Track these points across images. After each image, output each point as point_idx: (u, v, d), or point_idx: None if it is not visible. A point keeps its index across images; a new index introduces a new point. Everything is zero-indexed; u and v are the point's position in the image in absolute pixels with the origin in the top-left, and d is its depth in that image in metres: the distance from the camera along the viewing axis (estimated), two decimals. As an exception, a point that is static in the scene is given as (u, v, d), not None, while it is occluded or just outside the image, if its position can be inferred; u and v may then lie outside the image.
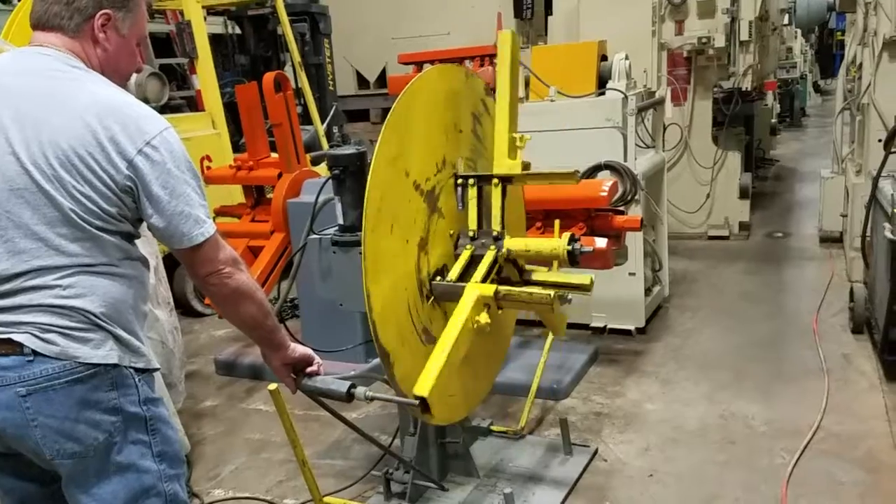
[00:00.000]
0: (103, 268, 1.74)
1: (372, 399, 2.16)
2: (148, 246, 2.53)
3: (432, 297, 2.63)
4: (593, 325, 4.87)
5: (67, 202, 1.68)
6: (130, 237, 1.82)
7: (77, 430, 1.70)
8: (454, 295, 2.56)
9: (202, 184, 1.84)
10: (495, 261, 2.69)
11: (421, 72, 7.03)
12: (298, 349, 2.12)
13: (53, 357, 1.67)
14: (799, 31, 14.06)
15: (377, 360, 4.26)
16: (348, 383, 2.15)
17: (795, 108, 15.33)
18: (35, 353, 1.66)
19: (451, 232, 2.78)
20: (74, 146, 1.67)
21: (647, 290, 4.93)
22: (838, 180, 6.27)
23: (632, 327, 4.78)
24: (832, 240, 6.42)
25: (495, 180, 2.68)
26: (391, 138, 2.38)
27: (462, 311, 2.41)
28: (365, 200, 2.26)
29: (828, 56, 22.06)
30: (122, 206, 1.74)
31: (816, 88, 19.74)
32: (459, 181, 2.70)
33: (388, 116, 2.39)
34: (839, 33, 20.67)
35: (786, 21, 11.22)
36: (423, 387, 2.19)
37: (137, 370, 1.80)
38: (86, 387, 1.70)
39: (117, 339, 1.76)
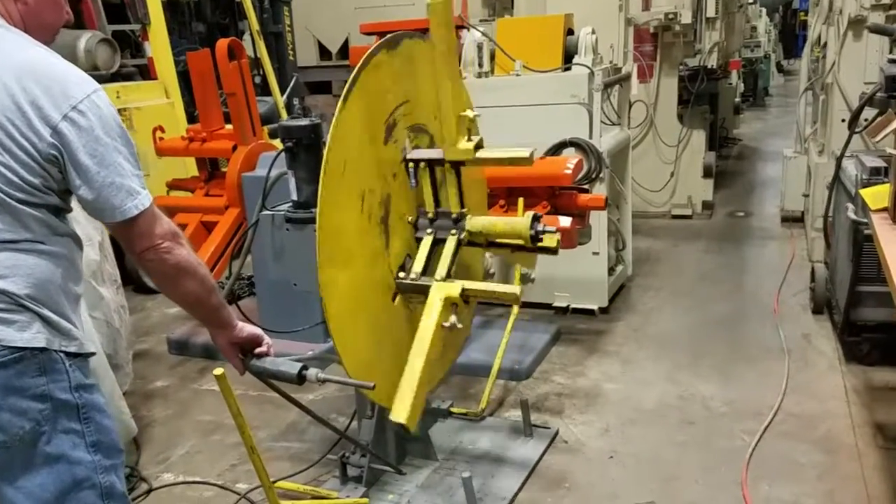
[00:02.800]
0: (27, 244, 1.60)
1: (324, 381, 2.06)
2: (92, 220, 2.38)
3: (397, 297, 2.57)
4: (556, 304, 4.82)
5: None
6: (58, 211, 1.68)
7: (0, 419, 1.57)
8: (419, 290, 2.52)
9: (136, 151, 1.70)
10: (458, 246, 2.61)
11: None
12: (246, 328, 2.01)
13: None
14: (764, 10, 14.11)
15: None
16: (299, 365, 2.05)
17: (759, 88, 15.43)
18: None
19: (410, 218, 2.68)
20: None
21: (611, 270, 4.88)
22: (801, 160, 6.28)
23: (594, 307, 4.74)
24: (793, 219, 6.46)
25: (447, 165, 2.57)
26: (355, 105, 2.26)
27: (429, 316, 2.35)
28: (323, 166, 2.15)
29: (791, 36, 22.21)
30: (48, 176, 1.60)
31: (779, 68, 19.92)
32: (410, 164, 2.59)
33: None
34: (802, 13, 20.80)
35: (750, 0, 11.23)
36: (399, 412, 2.14)
37: (69, 354, 1.67)
38: (10, 372, 1.56)
39: (45, 320, 1.63)
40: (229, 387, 2.12)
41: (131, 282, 5.20)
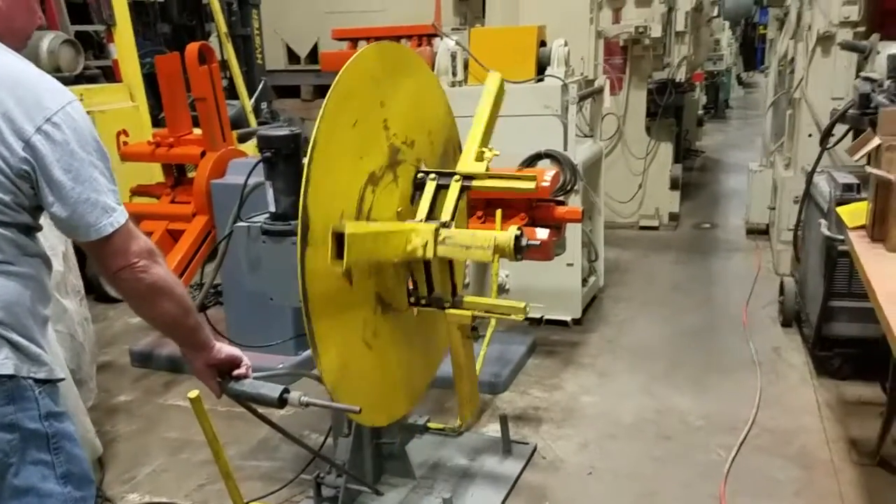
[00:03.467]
0: None
1: (308, 405, 1.99)
2: (56, 230, 2.27)
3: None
4: (530, 315, 4.77)
5: None
6: (29, 230, 1.58)
7: None
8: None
9: (111, 165, 1.61)
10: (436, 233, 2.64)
11: (356, 49, 6.79)
12: (224, 349, 1.92)
13: None
14: (727, 23, 14.36)
15: (307, 353, 4.07)
16: (280, 388, 1.97)
17: (720, 100, 15.69)
18: None
19: (400, 209, 2.66)
20: None
21: (584, 281, 4.88)
22: (766, 173, 6.37)
23: (568, 318, 4.72)
24: (759, 231, 6.54)
25: (457, 177, 2.65)
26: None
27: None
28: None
29: (751, 49, 22.64)
30: (19, 193, 1.50)
31: (739, 81, 20.31)
32: (419, 175, 2.65)
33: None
34: (762, 27, 21.23)
35: (714, 13, 11.40)
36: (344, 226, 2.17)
37: (38, 381, 1.57)
38: None
39: (13, 345, 1.53)
40: (204, 411, 2.04)
41: (92, 290, 5.03)
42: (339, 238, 2.16)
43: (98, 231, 1.55)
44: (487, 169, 2.78)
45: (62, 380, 1.67)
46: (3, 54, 1.53)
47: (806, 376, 3.98)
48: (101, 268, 1.63)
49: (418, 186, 2.76)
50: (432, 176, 2.72)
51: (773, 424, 3.51)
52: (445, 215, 2.67)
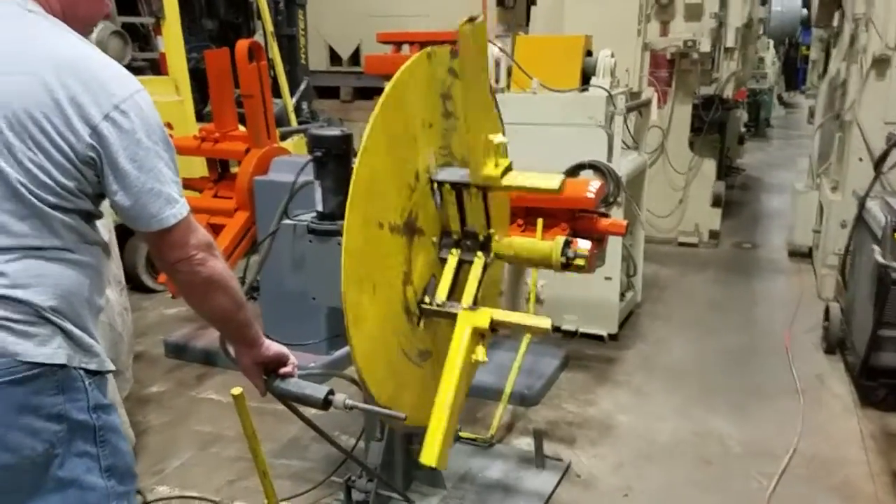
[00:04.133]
0: (55, 252, 1.49)
1: (352, 408, 1.96)
2: (102, 218, 2.27)
3: (421, 321, 2.49)
4: (564, 327, 4.72)
5: (15, 172, 1.42)
6: (90, 217, 1.57)
7: (11, 439, 1.44)
8: (445, 315, 2.44)
9: (175, 156, 1.60)
10: (484, 269, 2.53)
11: (399, 52, 6.71)
12: (273, 347, 1.90)
13: None
14: (771, 42, 14.16)
15: (341, 352, 4.06)
16: (325, 389, 1.94)
17: (761, 119, 15.45)
18: None
19: (434, 239, 2.58)
20: (27, 106, 1.41)
21: (621, 295, 4.80)
22: (812, 195, 6.23)
23: (604, 332, 4.65)
24: (801, 254, 6.40)
25: (473, 189, 2.48)
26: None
27: (457, 351, 2.29)
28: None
29: (792, 69, 22.35)
30: (82, 179, 1.49)
31: (780, 100, 20.01)
32: (435, 185, 2.51)
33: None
34: (804, 47, 20.95)
35: (761, 31, 11.24)
36: (429, 455, 2.07)
37: (88, 372, 1.55)
38: (26, 389, 1.44)
39: (67, 334, 1.51)
40: (247, 409, 2.02)
41: (129, 280, 5.06)
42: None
43: (160, 222, 1.53)
44: (509, 167, 2.47)
45: (112, 371, 1.66)
46: (71, 39, 1.52)
47: (850, 406, 3.86)
48: (158, 258, 1.62)
49: (439, 191, 2.62)
50: (447, 187, 2.52)
51: (815, 454, 3.41)
52: (481, 229, 2.57)
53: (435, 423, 2.18)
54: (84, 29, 1.65)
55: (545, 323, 2.46)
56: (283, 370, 1.92)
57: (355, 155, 2.20)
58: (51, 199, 1.46)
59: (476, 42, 2.32)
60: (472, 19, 2.29)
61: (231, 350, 1.92)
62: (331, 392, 1.91)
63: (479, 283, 2.54)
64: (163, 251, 1.58)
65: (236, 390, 1.95)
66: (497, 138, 2.50)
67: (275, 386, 1.92)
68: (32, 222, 1.45)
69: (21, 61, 1.44)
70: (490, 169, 2.48)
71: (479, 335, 2.41)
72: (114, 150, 1.46)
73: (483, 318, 2.41)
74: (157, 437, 3.60)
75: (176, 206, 1.54)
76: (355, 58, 9.30)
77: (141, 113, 1.50)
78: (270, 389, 1.93)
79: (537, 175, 2.57)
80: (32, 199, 1.44)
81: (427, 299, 2.51)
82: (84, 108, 1.44)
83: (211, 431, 3.61)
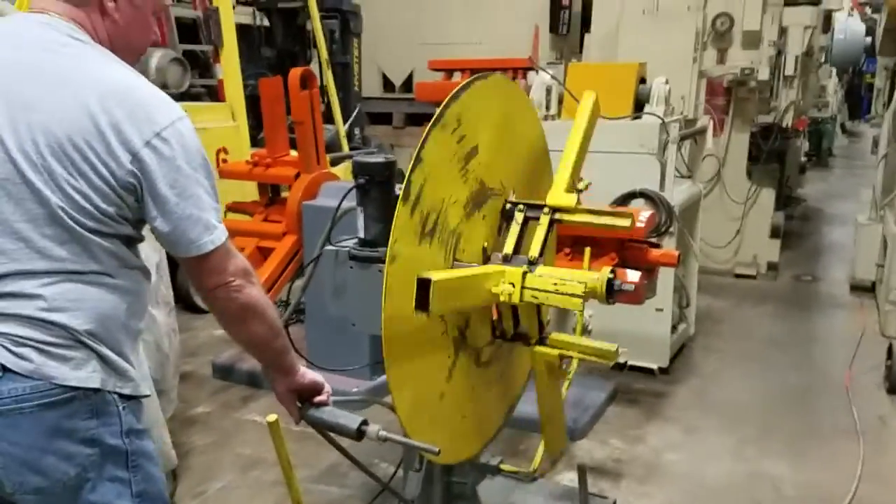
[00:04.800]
0: (94, 277, 1.50)
1: (386, 440, 1.92)
2: (150, 240, 2.32)
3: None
4: (613, 360, 4.61)
5: (56, 198, 1.44)
6: (130, 241, 1.58)
7: (45, 463, 1.45)
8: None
9: (215, 183, 1.61)
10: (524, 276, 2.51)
11: (451, 79, 6.78)
12: (308, 375, 1.88)
13: (25, 375, 1.43)
14: (834, 70, 13.80)
15: (382, 379, 4.02)
16: (359, 419, 1.91)
17: (823, 148, 15.05)
18: (4, 368, 1.42)
19: (486, 243, 2.58)
20: (70, 133, 1.44)
21: (673, 328, 4.67)
22: (875, 228, 6.00)
23: (654, 366, 4.52)
24: (864, 288, 6.15)
25: (546, 209, 2.50)
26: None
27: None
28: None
29: (856, 98, 21.71)
30: (122, 205, 1.51)
31: (843, 129, 19.47)
32: (508, 206, 2.53)
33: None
34: (869, 76, 20.38)
35: (822, 59, 10.97)
36: (430, 274, 1.97)
37: (122, 396, 1.56)
38: (60, 413, 1.46)
39: (102, 358, 1.52)
40: (282, 435, 2.00)
41: (180, 300, 5.15)
42: (423, 285, 2.03)
43: (198, 248, 1.54)
44: (578, 202, 2.64)
45: (147, 396, 1.66)
46: (116, 67, 1.55)
47: (915, 450, 3.66)
48: (196, 284, 1.62)
49: (507, 217, 2.67)
50: (520, 207, 2.58)
51: (876, 500, 3.22)
52: (533, 251, 2.56)
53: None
54: (133, 58, 1.68)
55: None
56: (317, 398, 1.90)
57: (399, 180, 2.20)
58: (91, 224, 1.47)
59: (594, 109, 2.80)
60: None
61: None
62: (364, 422, 1.88)
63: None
64: (201, 277, 1.58)
65: (271, 417, 1.94)
66: (583, 183, 2.75)
67: (309, 414, 1.90)
68: (72, 247, 1.47)
69: (67, 87, 1.46)
70: (568, 195, 2.55)
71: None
72: (154, 177, 1.48)
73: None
74: (200, 458, 3.62)
75: (214, 233, 1.54)
76: (408, 85, 9.38)
77: (182, 140, 1.51)
78: (304, 417, 1.91)
79: (606, 209, 2.70)
80: (73, 223, 1.46)
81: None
82: (125, 135, 1.46)
83: (252, 454, 3.62)
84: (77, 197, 1.45)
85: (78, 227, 1.46)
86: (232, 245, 1.61)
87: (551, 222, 2.52)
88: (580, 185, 2.68)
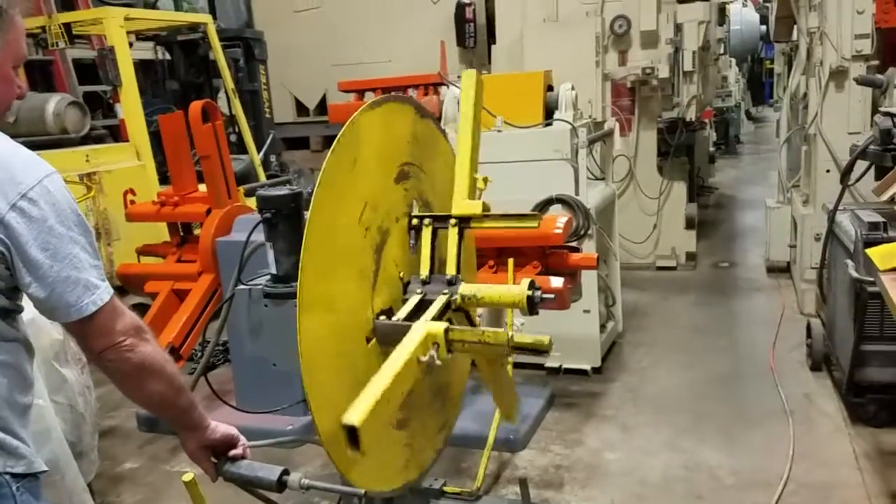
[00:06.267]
0: None
1: (308, 488, 1.84)
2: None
3: (373, 340, 2.34)
4: (548, 364, 4.64)
5: None
6: (6, 313, 1.47)
7: None
8: (400, 335, 2.30)
9: (94, 240, 1.52)
10: (447, 306, 2.43)
11: (362, 100, 6.73)
12: (220, 429, 1.79)
13: None
14: (733, 60, 14.38)
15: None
16: (279, 469, 1.83)
17: (730, 136, 15.64)
18: None
19: (402, 274, 2.51)
20: None
21: (602, 327, 4.73)
22: (784, 210, 6.23)
23: (588, 367, 4.56)
24: (779, 269, 6.37)
25: (453, 221, 2.42)
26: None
27: (406, 345, 2.13)
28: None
29: (758, 84, 22.73)
30: None
31: (748, 116, 20.30)
32: (414, 221, 2.43)
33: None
34: (768, 62, 21.35)
35: (721, 51, 11.41)
36: (352, 416, 1.85)
37: (15, 476, 1.44)
38: None
39: (-13, 439, 1.41)
40: (201, 494, 1.90)
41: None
42: (351, 433, 1.91)
43: (80, 311, 1.44)
44: (485, 206, 2.45)
45: (44, 472, 1.55)
46: (-26, 126, 1.45)
47: (840, 424, 3.79)
48: (83, 348, 1.52)
49: (416, 231, 2.58)
50: (426, 222, 2.43)
51: (809, 479, 3.32)
52: (450, 269, 2.50)
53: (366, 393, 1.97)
54: (-2, 114, 1.57)
55: (543, 339, 2.37)
56: (232, 452, 1.81)
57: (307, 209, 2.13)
58: (-42, 297, 1.37)
59: (476, 88, 2.45)
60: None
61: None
62: (285, 472, 1.80)
63: (440, 312, 2.46)
64: (88, 340, 1.49)
65: (187, 476, 1.84)
66: (481, 178, 2.51)
67: (225, 470, 1.81)
68: None
69: None
70: (472, 203, 2.46)
71: (431, 342, 2.29)
72: (23, 241, 1.38)
73: (438, 325, 2.30)
74: (130, 517, 3.46)
75: (96, 292, 1.45)
76: (322, 107, 9.28)
77: (50, 198, 1.42)
78: (221, 474, 1.82)
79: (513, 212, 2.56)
80: None
81: (383, 317, 2.39)
82: None
83: (186, 507, 3.46)
84: (-59, 269, 1.35)
85: (-55, 301, 1.36)
86: (119, 303, 1.52)
87: (460, 231, 2.43)
88: (479, 185, 2.50)
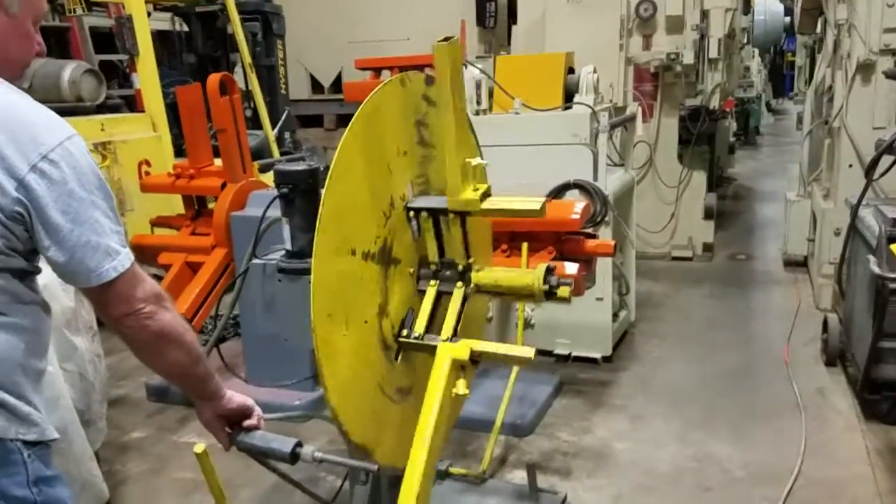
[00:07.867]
0: None
1: (321, 461, 1.83)
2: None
3: (399, 355, 2.34)
4: (557, 351, 4.61)
5: None
6: (24, 275, 1.45)
7: None
8: (424, 349, 2.30)
9: (115, 204, 1.49)
10: (464, 300, 2.40)
11: (379, 78, 6.65)
12: (235, 398, 1.78)
13: None
14: (756, 50, 14.18)
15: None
16: (293, 441, 1.83)
17: (750, 127, 15.46)
18: None
19: (412, 270, 2.47)
20: None
21: (614, 316, 4.69)
22: (804, 203, 6.14)
23: (598, 355, 4.53)
24: (797, 263, 6.30)
25: (451, 215, 2.36)
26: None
27: (436, 385, 2.12)
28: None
29: (779, 76, 22.45)
30: (11, 236, 1.38)
31: (769, 108, 20.06)
32: (411, 213, 2.37)
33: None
34: (790, 54, 21.09)
35: (745, 40, 11.25)
36: (408, 498, 1.91)
37: (27, 443, 1.43)
38: None
39: (1, 404, 1.40)
40: (212, 466, 1.90)
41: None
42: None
43: (100, 276, 1.42)
44: (486, 191, 2.33)
45: (55, 440, 1.53)
46: (-7, 85, 1.42)
47: (853, 421, 3.74)
48: (103, 315, 1.51)
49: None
50: (424, 214, 2.36)
51: (820, 474, 3.28)
52: (460, 259, 2.44)
53: (413, 464, 2.05)
54: (17, 72, 1.54)
55: (528, 353, 2.33)
56: (247, 423, 1.80)
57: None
58: (-26, 258, 1.35)
59: (452, 62, 2.20)
60: (446, 39, 2.19)
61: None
62: (299, 444, 1.79)
63: (459, 314, 2.43)
64: (107, 307, 1.47)
65: (199, 447, 1.83)
66: (475, 161, 2.41)
67: (239, 440, 1.80)
68: None
69: None
70: (468, 193, 2.37)
71: (459, 367, 2.28)
72: (44, 204, 1.36)
73: (463, 349, 2.28)
74: (136, 486, 3.46)
75: (117, 258, 1.43)
76: (337, 85, 9.22)
77: (72, 161, 1.39)
78: (235, 444, 1.81)
79: (518, 198, 2.47)
80: None
81: (405, 332, 2.39)
82: (8, 161, 1.33)
83: (192, 479, 3.46)
84: (-43, 230, 1.33)
85: (-41, 264, 1.34)
86: (139, 269, 1.50)
87: (462, 221, 2.37)
88: (474, 164, 2.30)
